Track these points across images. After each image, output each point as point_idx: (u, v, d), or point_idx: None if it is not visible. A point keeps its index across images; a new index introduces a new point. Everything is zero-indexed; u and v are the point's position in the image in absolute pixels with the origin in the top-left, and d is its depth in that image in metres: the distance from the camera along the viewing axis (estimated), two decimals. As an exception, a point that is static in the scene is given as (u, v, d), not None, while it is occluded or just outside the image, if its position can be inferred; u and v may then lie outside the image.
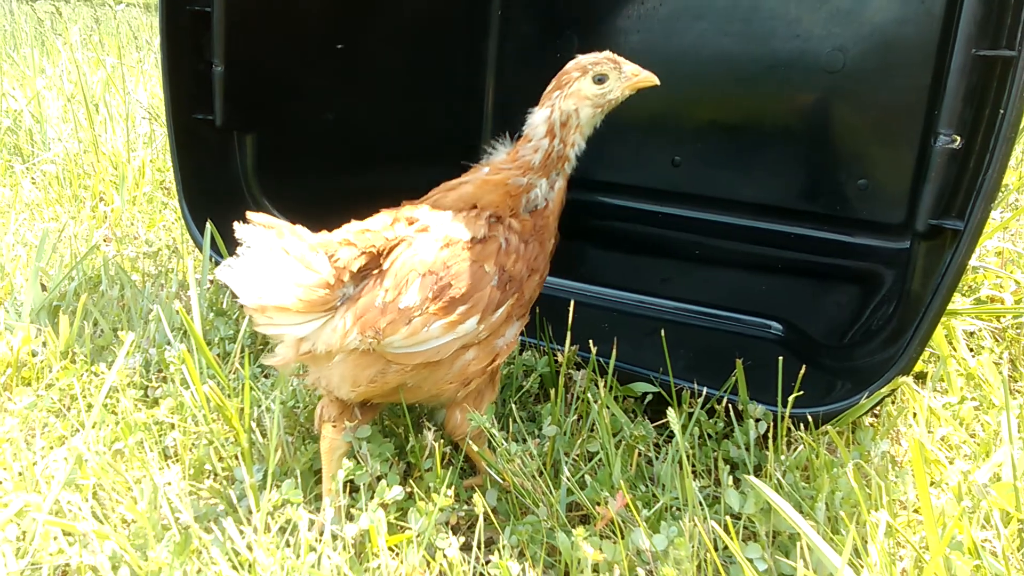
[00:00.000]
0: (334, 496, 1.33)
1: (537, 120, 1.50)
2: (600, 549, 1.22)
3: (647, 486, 1.45)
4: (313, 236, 1.28)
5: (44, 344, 1.80)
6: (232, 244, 2.20)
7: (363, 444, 1.39)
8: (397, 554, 1.27)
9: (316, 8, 2.53)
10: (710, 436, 1.58)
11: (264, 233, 1.21)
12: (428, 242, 1.30)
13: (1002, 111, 1.42)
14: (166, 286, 2.22)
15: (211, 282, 2.19)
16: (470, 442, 1.43)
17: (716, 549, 1.27)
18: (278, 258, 1.19)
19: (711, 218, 2.57)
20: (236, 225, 1.24)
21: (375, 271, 1.27)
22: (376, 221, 1.38)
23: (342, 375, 1.28)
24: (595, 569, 1.24)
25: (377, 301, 1.23)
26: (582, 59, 1.52)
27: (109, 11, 6.54)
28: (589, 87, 1.50)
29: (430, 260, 1.27)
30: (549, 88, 1.52)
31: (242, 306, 1.21)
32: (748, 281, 2.38)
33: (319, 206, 2.65)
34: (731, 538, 1.14)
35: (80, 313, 1.84)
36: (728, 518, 1.25)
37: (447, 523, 1.39)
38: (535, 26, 2.85)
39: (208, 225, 2.20)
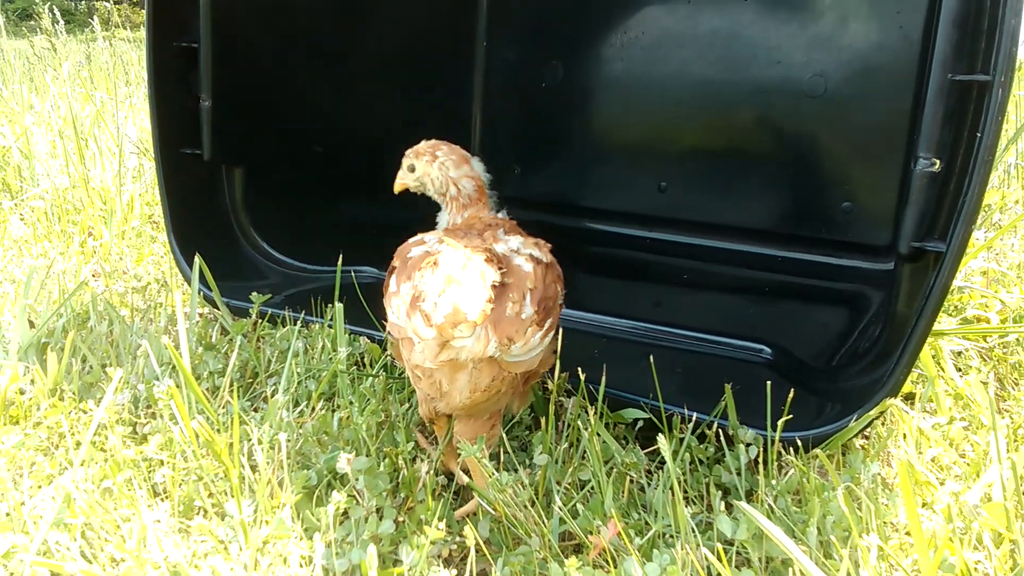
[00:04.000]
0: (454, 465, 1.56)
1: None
2: (593, 579, 1.22)
3: (639, 514, 1.44)
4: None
5: (32, 382, 1.79)
6: (221, 277, 2.23)
7: (360, 478, 1.38)
8: (391, 588, 1.26)
9: (302, 45, 2.56)
10: (701, 461, 1.58)
11: (453, 250, 1.30)
12: (522, 260, 1.44)
13: (979, 134, 1.44)
14: (154, 321, 2.21)
15: (200, 316, 2.19)
16: (477, 460, 1.43)
17: (709, 576, 1.27)
18: (471, 273, 1.28)
19: (698, 242, 2.59)
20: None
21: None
22: (473, 240, 1.47)
23: (465, 383, 1.34)
24: (589, 600, 1.23)
25: (508, 312, 1.32)
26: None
27: (99, 47, 6.59)
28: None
29: (531, 275, 1.40)
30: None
31: (426, 318, 1.26)
32: (737, 305, 2.39)
33: (307, 239, 2.69)
34: (724, 565, 1.14)
35: (68, 350, 1.83)
36: (721, 545, 1.25)
37: (439, 556, 1.38)
38: (520, 57, 2.88)
39: (196, 259, 2.20)
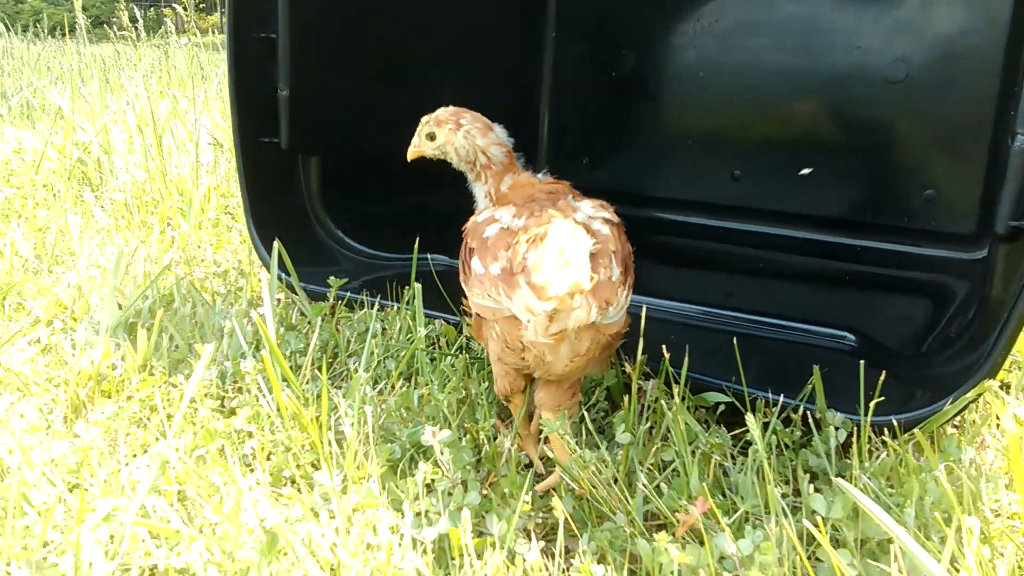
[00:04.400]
0: (532, 448, 1.58)
1: None
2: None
3: (724, 495, 1.42)
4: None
5: (123, 358, 1.85)
6: (296, 263, 2.27)
7: (445, 451, 1.39)
8: (479, 556, 1.27)
9: (376, 35, 2.60)
10: (787, 446, 1.55)
11: (563, 223, 1.30)
12: (599, 223, 1.47)
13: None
14: (235, 304, 2.27)
15: (278, 300, 2.23)
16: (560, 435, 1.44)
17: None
18: (580, 243, 1.28)
19: (774, 232, 2.55)
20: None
21: None
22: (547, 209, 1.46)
23: (567, 351, 1.36)
24: (679, 574, 1.21)
25: (601, 276, 1.34)
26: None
27: (170, 50, 6.80)
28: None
29: (611, 237, 1.44)
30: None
31: (542, 291, 1.24)
32: (815, 294, 2.34)
33: (378, 227, 2.72)
34: (824, 537, 1.11)
35: (157, 329, 1.89)
36: (811, 523, 1.22)
37: (524, 529, 1.38)
38: (589, 48, 2.88)
39: (276, 244, 2.24)
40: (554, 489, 1.48)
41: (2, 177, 4.08)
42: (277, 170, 2.52)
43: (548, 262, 1.24)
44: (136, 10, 6.39)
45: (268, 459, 1.50)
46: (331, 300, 2.17)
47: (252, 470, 1.49)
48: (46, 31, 8.91)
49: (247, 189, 2.41)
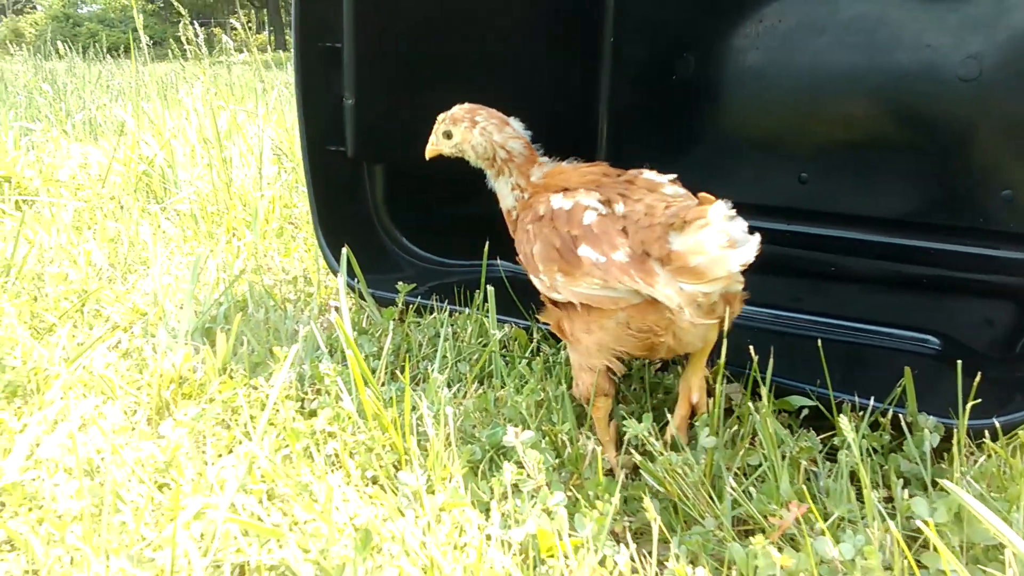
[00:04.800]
0: (613, 453, 1.55)
1: None
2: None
3: (815, 499, 1.39)
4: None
5: (203, 362, 1.88)
6: (364, 270, 2.29)
7: (528, 452, 1.38)
8: (566, 558, 1.25)
9: (438, 42, 2.62)
10: (875, 450, 1.51)
11: (720, 206, 1.30)
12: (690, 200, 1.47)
13: None
14: (307, 308, 2.30)
15: (350, 305, 2.25)
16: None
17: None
18: (740, 222, 1.33)
19: (844, 235, 2.49)
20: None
21: None
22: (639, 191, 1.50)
23: (706, 325, 1.41)
24: (776, 578, 1.19)
25: None
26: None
27: (229, 66, 6.97)
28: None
29: None
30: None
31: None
32: (892, 297, 2.28)
33: (444, 234, 2.74)
34: (938, 543, 1.07)
35: (234, 332, 1.92)
36: (908, 528, 1.19)
37: (611, 531, 1.36)
38: (649, 51, 2.87)
39: (345, 250, 2.26)
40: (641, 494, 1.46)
41: (70, 191, 4.21)
42: (343, 178, 2.56)
43: (710, 242, 1.27)
44: (193, 29, 6.57)
45: (351, 458, 1.51)
46: (399, 305, 2.19)
47: (336, 470, 1.50)
48: (104, 51, 9.19)
49: (315, 197, 2.44)
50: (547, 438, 1.53)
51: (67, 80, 6.93)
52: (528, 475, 1.38)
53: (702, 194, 1.31)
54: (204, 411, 1.66)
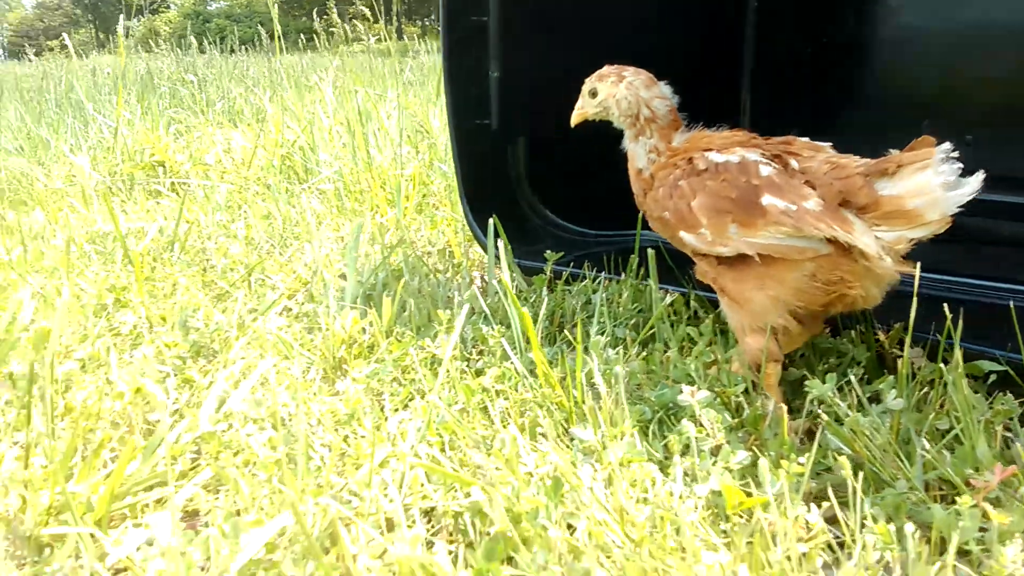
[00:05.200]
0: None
1: None
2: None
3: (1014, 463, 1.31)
4: None
5: (370, 324, 1.96)
6: (510, 242, 2.33)
7: (703, 411, 1.38)
8: (747, 519, 1.24)
9: (580, 12, 2.61)
10: (1076, 419, 1.41)
11: (944, 146, 1.33)
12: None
13: None
14: (456, 277, 2.36)
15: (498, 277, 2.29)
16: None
17: None
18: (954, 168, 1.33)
19: (1013, 200, 2.34)
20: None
21: None
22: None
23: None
24: (980, 541, 1.13)
25: None
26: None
27: (349, 57, 7.21)
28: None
29: None
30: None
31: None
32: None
33: (587, 205, 2.74)
34: None
35: (397, 297, 1.99)
36: None
37: (796, 491, 1.33)
38: (798, 13, 2.76)
39: (492, 220, 2.29)
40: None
41: (217, 174, 4.47)
42: (488, 151, 2.60)
43: (934, 183, 1.28)
44: (316, 21, 6.84)
45: (521, 415, 1.54)
46: (547, 274, 2.21)
47: (507, 425, 1.54)
48: (236, 45, 9.67)
49: (461, 170, 2.49)
50: (719, 399, 1.51)
51: (206, 72, 7.36)
52: (708, 433, 1.37)
53: (919, 139, 1.32)
54: (378, 369, 1.73)
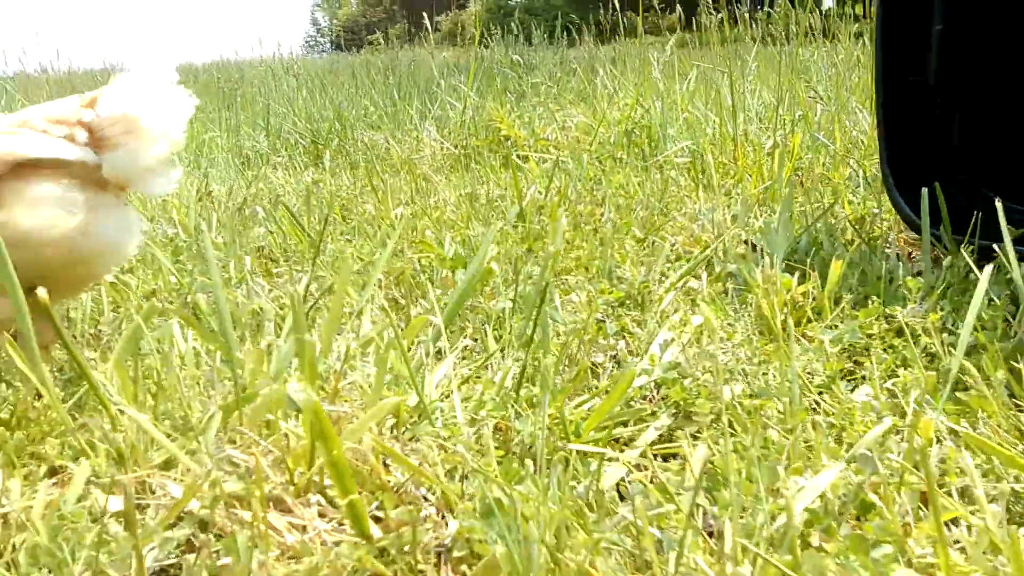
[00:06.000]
0: None
1: None
2: None
3: None
4: None
5: (812, 288, 1.81)
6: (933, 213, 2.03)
7: None
8: None
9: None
10: None
11: None
12: None
13: None
14: (877, 250, 2.13)
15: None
16: None
17: None
18: None
19: None
20: None
21: None
22: None
23: None
24: None
25: None
26: None
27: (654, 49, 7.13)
28: None
29: None
30: None
31: None
32: None
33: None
34: None
35: (845, 263, 1.84)
36: None
37: None
38: None
39: (925, 191, 2.02)
40: None
41: (557, 148, 4.59)
42: (918, 113, 2.32)
43: None
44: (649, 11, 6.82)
45: None
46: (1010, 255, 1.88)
47: None
48: (548, 35, 9.97)
49: (885, 131, 2.26)
50: None
51: (532, 57, 7.69)
52: None
53: None
54: (842, 332, 1.57)
